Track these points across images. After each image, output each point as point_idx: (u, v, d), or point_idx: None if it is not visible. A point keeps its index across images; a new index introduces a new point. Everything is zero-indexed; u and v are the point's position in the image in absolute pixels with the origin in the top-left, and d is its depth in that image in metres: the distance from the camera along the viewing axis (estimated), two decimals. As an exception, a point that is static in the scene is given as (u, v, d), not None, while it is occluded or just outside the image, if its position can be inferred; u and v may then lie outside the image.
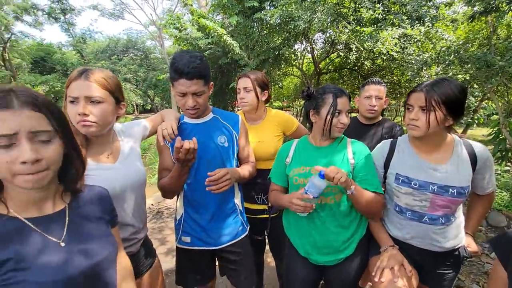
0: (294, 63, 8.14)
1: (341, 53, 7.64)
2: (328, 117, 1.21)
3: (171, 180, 1.23)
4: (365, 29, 4.93)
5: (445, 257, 1.23)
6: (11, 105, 0.60)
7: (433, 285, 1.28)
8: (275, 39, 6.61)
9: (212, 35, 6.24)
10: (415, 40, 4.78)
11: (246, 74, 1.69)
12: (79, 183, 0.79)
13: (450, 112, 1.08)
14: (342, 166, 1.24)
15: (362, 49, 5.47)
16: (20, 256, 0.63)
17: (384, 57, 5.63)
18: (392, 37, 4.65)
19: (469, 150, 1.16)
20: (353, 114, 1.86)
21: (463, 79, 3.72)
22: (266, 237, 1.72)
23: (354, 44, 5.29)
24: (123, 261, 0.92)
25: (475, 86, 4.48)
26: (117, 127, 1.21)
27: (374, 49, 4.92)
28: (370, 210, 1.21)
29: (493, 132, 4.10)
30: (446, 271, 1.25)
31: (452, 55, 3.61)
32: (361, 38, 4.96)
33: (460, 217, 1.24)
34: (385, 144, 1.33)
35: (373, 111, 1.86)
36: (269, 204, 1.64)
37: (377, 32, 4.77)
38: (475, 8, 3.37)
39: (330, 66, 9.17)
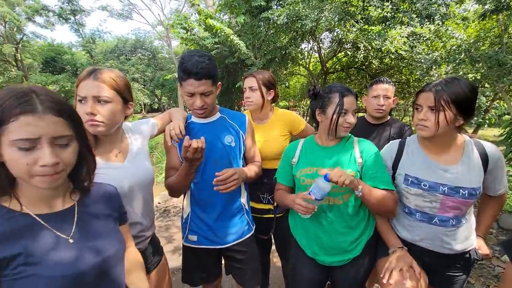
0: (300, 62, 8.11)
1: (348, 52, 7.59)
2: (334, 116, 1.20)
3: (178, 179, 1.24)
4: (373, 27, 4.88)
5: (456, 260, 1.21)
6: (35, 110, 0.62)
7: None
8: (282, 38, 6.60)
9: (219, 35, 6.26)
10: (425, 38, 4.70)
11: (252, 73, 1.69)
12: (88, 182, 0.81)
13: (460, 112, 1.06)
14: (349, 165, 1.23)
15: (370, 48, 5.41)
16: (30, 251, 0.65)
17: (393, 56, 5.57)
18: (400, 36, 4.59)
19: (480, 150, 1.14)
20: (360, 114, 1.84)
21: (474, 78, 3.65)
22: (272, 236, 1.72)
23: (362, 43, 5.24)
24: (134, 255, 0.94)
25: (486, 85, 4.39)
26: (126, 126, 1.22)
27: (382, 48, 4.86)
28: (383, 208, 1.18)
29: (504, 132, 4.00)
30: (456, 274, 1.23)
31: (463, 53, 3.54)
32: (369, 37, 4.91)
33: (471, 219, 1.21)
34: (393, 145, 1.32)
35: (381, 111, 1.84)
36: (275, 204, 1.64)
37: (385, 30, 4.71)
38: (486, 6, 3.31)
39: (337, 65, 9.11)
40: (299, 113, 14.16)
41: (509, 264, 0.85)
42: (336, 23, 5.22)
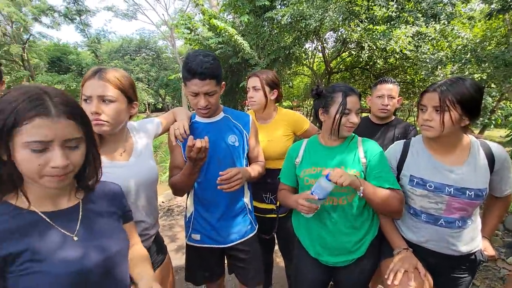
0: (304, 62, 8.09)
1: (353, 52, 7.55)
2: (337, 116, 1.20)
3: (182, 178, 1.24)
4: (378, 27, 4.84)
5: (461, 261, 1.20)
6: (49, 113, 0.63)
7: None
8: (285, 38, 6.59)
9: (223, 34, 6.27)
10: (430, 38, 4.65)
11: (255, 73, 1.69)
12: (93, 180, 0.82)
13: (466, 112, 1.05)
14: (353, 166, 1.23)
15: (374, 47, 5.38)
16: (36, 248, 0.66)
17: (397, 56, 5.52)
18: (405, 35, 4.55)
19: (487, 150, 1.13)
20: (364, 114, 1.83)
21: (480, 79, 3.61)
22: (275, 236, 1.72)
23: (367, 42, 5.20)
24: (140, 251, 0.94)
25: (493, 85, 4.34)
26: (131, 125, 1.23)
27: (387, 48, 4.82)
28: (387, 208, 1.17)
29: (511, 133, 3.96)
30: (461, 276, 1.22)
31: (469, 53, 3.51)
32: (374, 36, 4.87)
33: (477, 220, 1.20)
34: (398, 145, 1.31)
35: (386, 111, 1.83)
36: (277, 204, 1.64)
37: (390, 30, 4.67)
38: (493, 6, 3.27)
39: (341, 65, 9.07)
40: (303, 113, 14.13)
41: None
42: (341, 22, 5.19)
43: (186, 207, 1.45)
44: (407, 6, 4.95)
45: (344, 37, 6.11)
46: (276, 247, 1.92)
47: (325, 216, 1.26)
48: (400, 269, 1.13)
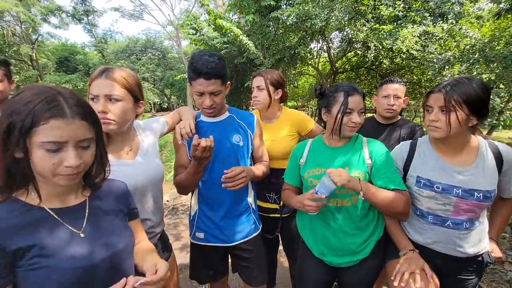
0: (309, 62, 8.07)
1: (358, 52, 7.50)
2: (339, 115, 1.19)
3: (186, 176, 1.25)
4: (384, 27, 4.80)
5: (468, 263, 1.18)
6: (64, 114, 0.66)
7: None
8: (291, 38, 6.58)
9: (228, 34, 6.28)
10: (437, 37, 4.59)
11: (260, 72, 1.70)
12: (100, 179, 0.83)
13: (473, 112, 1.04)
14: (358, 167, 1.22)
15: (380, 47, 5.33)
16: (44, 244, 0.68)
17: (404, 56, 5.46)
18: (412, 35, 4.50)
19: (495, 151, 1.11)
20: (369, 114, 1.82)
21: (488, 79, 3.56)
22: (279, 236, 1.72)
23: (373, 42, 5.16)
24: (146, 245, 0.96)
25: (501, 86, 4.26)
26: (137, 124, 1.24)
27: (393, 48, 4.78)
28: (392, 210, 1.15)
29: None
30: (468, 277, 1.20)
31: (477, 53, 3.46)
32: (380, 36, 4.83)
33: (484, 221, 1.19)
34: (404, 146, 1.30)
35: (392, 111, 1.82)
36: (281, 204, 1.64)
37: (397, 29, 4.63)
38: (501, 5, 3.22)
39: (346, 65, 9.01)
40: (308, 113, 14.08)
41: None
42: (346, 22, 5.16)
43: (191, 206, 1.46)
44: (414, 5, 4.90)
45: (350, 37, 6.07)
46: (280, 247, 1.92)
47: (329, 217, 1.25)
48: (407, 270, 1.12)
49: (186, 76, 1.31)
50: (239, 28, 6.26)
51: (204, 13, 7.97)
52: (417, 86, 7.41)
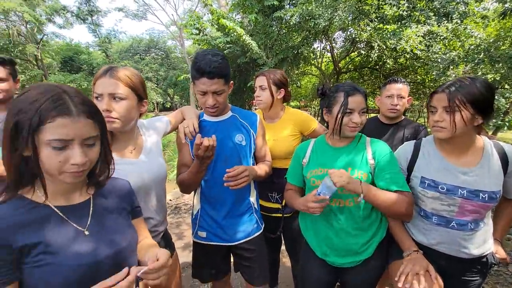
0: (313, 62, 8.06)
1: (362, 52, 7.46)
2: (339, 115, 1.18)
3: (189, 175, 1.26)
4: (388, 26, 4.78)
5: (472, 264, 1.17)
6: (70, 113, 0.66)
7: None
8: (294, 37, 6.57)
9: (231, 34, 6.29)
10: (442, 37, 4.56)
11: (263, 72, 1.70)
12: (105, 177, 0.84)
13: (478, 111, 1.03)
14: (361, 167, 1.21)
15: (384, 47, 5.30)
16: (49, 241, 0.69)
17: (408, 56, 5.44)
18: (416, 35, 4.48)
19: (500, 152, 1.10)
20: (373, 114, 1.81)
21: (493, 79, 3.53)
22: (282, 235, 1.72)
23: (376, 42, 5.14)
24: (149, 241, 0.96)
25: (506, 86, 4.23)
26: (141, 123, 1.25)
27: (397, 47, 4.75)
28: (394, 212, 1.14)
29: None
30: (473, 278, 1.19)
31: (482, 53, 3.43)
32: (384, 36, 4.81)
33: (489, 222, 1.18)
34: (408, 146, 1.29)
35: (395, 111, 1.81)
36: (283, 203, 1.64)
37: (400, 29, 4.61)
38: (507, 5, 3.19)
39: (350, 65, 8.98)
40: (310, 113, 14.05)
41: None
42: (350, 22, 5.15)
43: (193, 205, 1.46)
44: (418, 5, 4.87)
45: (353, 36, 6.05)
46: (283, 247, 1.92)
47: (332, 217, 1.25)
48: (411, 271, 1.11)
49: (189, 76, 1.32)
50: (242, 28, 6.26)
51: (208, 13, 8.00)
52: (421, 86, 7.36)
